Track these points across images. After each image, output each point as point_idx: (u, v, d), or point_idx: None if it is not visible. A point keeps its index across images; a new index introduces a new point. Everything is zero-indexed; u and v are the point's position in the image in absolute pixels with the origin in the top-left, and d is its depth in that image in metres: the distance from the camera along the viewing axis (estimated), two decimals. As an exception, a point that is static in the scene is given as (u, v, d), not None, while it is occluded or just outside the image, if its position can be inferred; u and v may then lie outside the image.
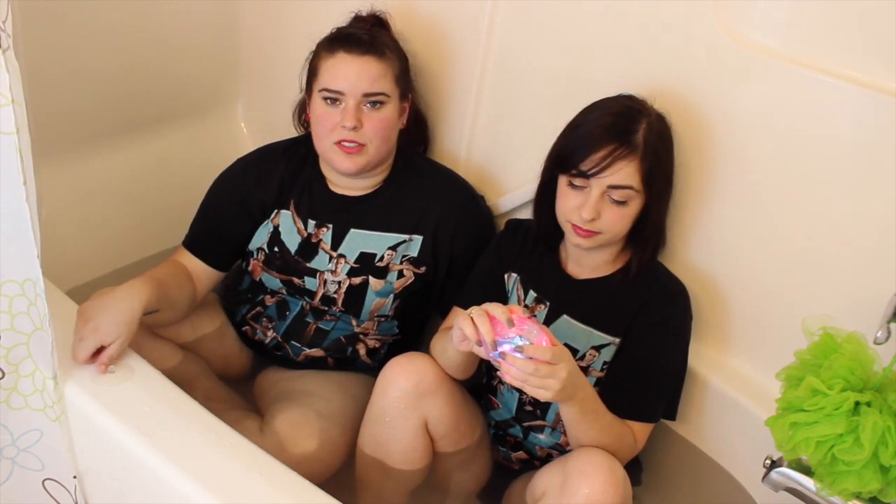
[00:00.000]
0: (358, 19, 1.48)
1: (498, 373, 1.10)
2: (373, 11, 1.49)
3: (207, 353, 1.55)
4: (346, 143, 1.34)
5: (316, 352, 1.51)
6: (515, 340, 1.07)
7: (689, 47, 1.29)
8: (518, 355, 1.06)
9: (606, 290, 1.31)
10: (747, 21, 1.24)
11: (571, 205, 1.23)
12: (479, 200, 1.52)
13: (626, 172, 1.19)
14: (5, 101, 0.94)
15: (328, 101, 1.34)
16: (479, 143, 1.62)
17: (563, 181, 1.25)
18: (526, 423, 1.37)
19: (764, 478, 1.15)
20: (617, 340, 1.30)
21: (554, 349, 1.07)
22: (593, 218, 1.20)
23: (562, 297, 1.34)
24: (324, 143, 1.37)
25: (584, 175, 1.20)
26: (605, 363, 1.30)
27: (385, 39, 1.39)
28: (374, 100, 1.34)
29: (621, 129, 1.20)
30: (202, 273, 1.48)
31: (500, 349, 1.08)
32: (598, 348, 1.30)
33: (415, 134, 1.56)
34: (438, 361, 1.30)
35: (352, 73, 1.32)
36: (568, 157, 1.22)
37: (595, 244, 1.25)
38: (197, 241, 1.49)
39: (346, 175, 1.40)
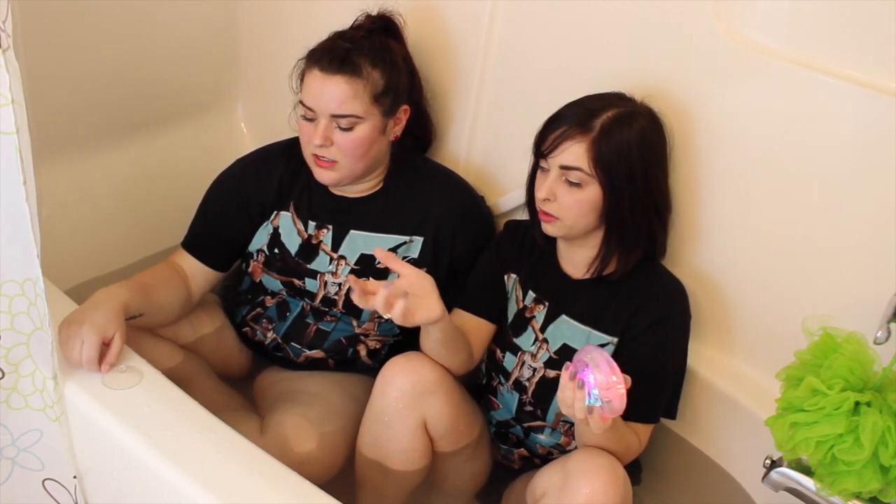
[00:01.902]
0: (365, 18, 1.44)
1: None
2: (382, 12, 1.45)
3: (207, 354, 1.54)
4: (320, 158, 1.34)
5: (316, 353, 1.51)
6: (594, 400, 1.05)
7: (689, 47, 1.29)
8: (597, 407, 1.05)
9: (604, 290, 1.31)
10: (747, 21, 1.24)
11: (537, 186, 1.26)
12: (479, 201, 1.52)
13: (573, 153, 1.20)
14: (5, 101, 0.94)
15: (305, 116, 1.34)
16: (479, 143, 1.62)
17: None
18: (526, 424, 1.37)
19: (764, 478, 1.15)
20: (615, 340, 1.30)
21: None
22: (546, 198, 1.22)
23: (560, 297, 1.34)
24: (304, 152, 1.38)
25: (543, 155, 1.23)
26: None
27: (368, 53, 1.32)
28: (343, 123, 1.31)
29: (584, 113, 1.21)
30: (200, 274, 1.48)
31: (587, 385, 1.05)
32: None
33: (420, 136, 1.56)
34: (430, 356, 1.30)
35: (319, 94, 1.30)
36: (536, 142, 1.26)
37: (560, 232, 1.26)
38: (195, 242, 1.48)
39: (326, 185, 1.40)
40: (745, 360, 1.40)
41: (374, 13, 1.45)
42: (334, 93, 1.30)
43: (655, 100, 1.27)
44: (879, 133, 1.15)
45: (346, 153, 1.33)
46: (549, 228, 1.26)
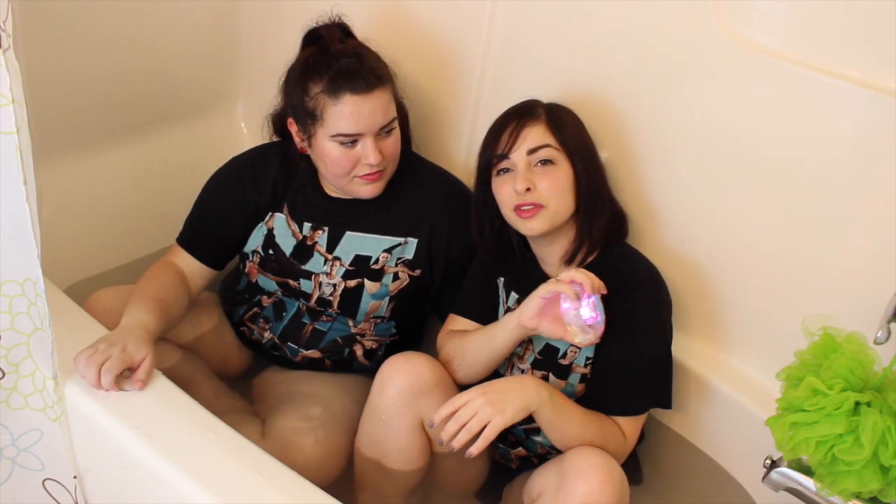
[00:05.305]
0: (334, 31, 1.39)
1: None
2: (333, 19, 1.42)
3: (206, 353, 1.54)
4: (371, 173, 1.34)
5: (313, 353, 1.51)
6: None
7: (688, 47, 1.29)
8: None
9: None
10: (747, 21, 1.24)
11: (506, 191, 1.27)
12: (475, 202, 1.52)
13: (536, 134, 1.26)
14: (5, 101, 0.94)
15: (344, 144, 1.32)
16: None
17: (493, 181, 1.29)
18: (525, 426, 1.37)
19: (764, 478, 1.15)
20: None
21: (453, 400, 1.16)
22: (528, 188, 1.23)
23: None
24: (343, 180, 1.36)
25: (503, 156, 1.26)
26: (587, 359, 1.29)
27: (370, 59, 1.34)
28: (388, 128, 1.34)
29: (522, 109, 1.30)
30: (197, 271, 1.47)
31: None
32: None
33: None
34: (456, 364, 1.32)
35: (366, 114, 1.30)
36: (484, 158, 1.30)
37: (545, 223, 1.25)
38: (191, 240, 1.48)
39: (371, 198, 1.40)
40: (745, 359, 1.40)
41: (327, 22, 1.42)
42: (381, 105, 1.31)
43: (655, 99, 1.27)
44: (879, 133, 1.15)
45: (391, 156, 1.36)
46: (534, 224, 1.25)
